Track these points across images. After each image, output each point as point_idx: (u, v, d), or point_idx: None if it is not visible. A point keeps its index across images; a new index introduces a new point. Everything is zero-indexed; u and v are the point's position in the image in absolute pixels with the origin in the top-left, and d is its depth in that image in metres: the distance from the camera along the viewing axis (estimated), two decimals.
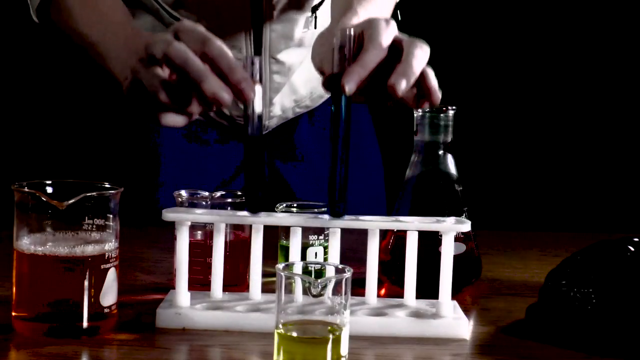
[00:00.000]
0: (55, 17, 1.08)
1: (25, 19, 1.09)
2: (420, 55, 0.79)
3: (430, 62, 0.78)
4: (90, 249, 0.73)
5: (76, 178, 0.76)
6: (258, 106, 0.78)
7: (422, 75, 0.79)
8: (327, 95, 1.29)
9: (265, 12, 1.16)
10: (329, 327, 0.65)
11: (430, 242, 0.90)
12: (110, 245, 0.74)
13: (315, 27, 1.20)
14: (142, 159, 1.28)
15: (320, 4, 1.19)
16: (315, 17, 1.20)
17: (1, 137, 1.96)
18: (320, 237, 0.90)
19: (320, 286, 0.64)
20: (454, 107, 0.90)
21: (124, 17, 1.01)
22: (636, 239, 0.80)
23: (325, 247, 0.90)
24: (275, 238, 0.93)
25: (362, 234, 0.80)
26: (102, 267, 0.73)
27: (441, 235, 0.80)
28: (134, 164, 1.29)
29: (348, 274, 0.65)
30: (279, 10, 1.16)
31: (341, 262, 0.77)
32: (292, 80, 1.25)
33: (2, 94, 1.97)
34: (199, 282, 0.88)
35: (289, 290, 0.65)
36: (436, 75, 0.80)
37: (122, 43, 0.91)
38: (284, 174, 1.30)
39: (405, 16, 1.31)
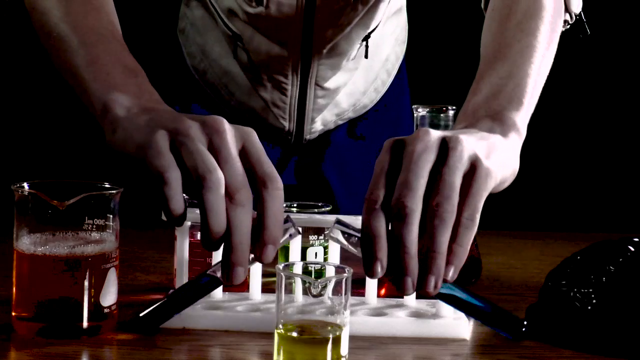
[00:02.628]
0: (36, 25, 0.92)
1: (25, 18, 1.08)
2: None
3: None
4: (90, 249, 0.73)
5: (76, 178, 0.76)
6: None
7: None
8: (370, 105, 1.27)
9: (315, 47, 1.12)
10: (329, 327, 0.65)
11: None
12: (110, 245, 0.74)
13: (366, 57, 1.17)
14: None
15: (372, 32, 1.16)
16: (367, 47, 1.16)
17: (1, 137, 1.96)
18: (320, 237, 0.90)
19: (320, 286, 0.64)
20: (454, 107, 0.90)
21: (133, 66, 0.83)
22: (636, 239, 0.80)
23: (325, 247, 0.90)
24: None
25: None
26: (102, 267, 0.73)
27: None
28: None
29: (348, 274, 0.65)
30: (328, 48, 1.13)
31: (341, 262, 0.77)
32: (335, 98, 1.22)
33: (2, 94, 1.97)
34: None
35: (289, 290, 0.65)
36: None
37: (131, 102, 0.77)
38: (323, 173, 1.29)
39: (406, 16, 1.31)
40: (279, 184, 0.69)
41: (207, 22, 1.18)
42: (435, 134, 0.71)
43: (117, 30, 0.86)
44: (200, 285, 0.73)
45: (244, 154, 0.69)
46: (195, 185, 0.66)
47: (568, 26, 1.00)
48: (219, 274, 0.71)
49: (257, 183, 0.68)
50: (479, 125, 0.78)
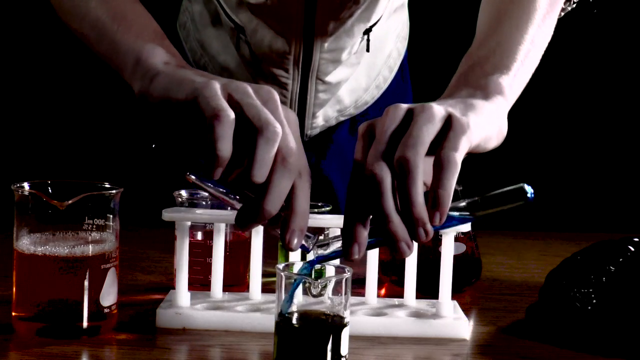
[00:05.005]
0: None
1: (25, 18, 1.08)
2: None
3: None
4: (90, 249, 0.73)
5: (76, 178, 0.76)
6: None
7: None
8: (371, 102, 1.27)
9: (316, 40, 1.12)
10: (328, 316, 0.65)
11: (430, 242, 0.90)
12: (110, 245, 0.74)
13: (367, 51, 1.17)
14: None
15: (373, 26, 1.15)
16: (368, 40, 1.16)
17: (1, 137, 1.96)
18: (321, 237, 0.90)
19: (320, 286, 0.64)
20: None
21: (159, 30, 0.84)
22: (636, 239, 0.80)
23: None
24: (276, 238, 0.93)
25: None
26: (102, 267, 0.73)
27: (441, 235, 0.80)
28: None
29: (348, 274, 0.65)
30: (330, 41, 1.13)
31: (341, 262, 0.78)
32: (337, 93, 1.22)
33: (2, 94, 1.97)
34: (199, 282, 0.88)
35: (289, 290, 0.65)
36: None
37: (168, 58, 0.78)
38: (324, 171, 1.29)
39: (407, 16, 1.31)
40: (310, 177, 0.69)
41: (206, 17, 1.18)
42: (404, 106, 0.69)
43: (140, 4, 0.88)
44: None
45: None
46: (251, 134, 0.65)
47: (574, 5, 0.99)
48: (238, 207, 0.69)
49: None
50: (457, 94, 0.77)
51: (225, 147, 0.65)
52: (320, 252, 0.70)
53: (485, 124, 0.72)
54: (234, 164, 0.67)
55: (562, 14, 0.96)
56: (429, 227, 0.65)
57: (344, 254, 0.66)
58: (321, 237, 0.71)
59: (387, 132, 0.67)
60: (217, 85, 0.68)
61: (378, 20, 1.16)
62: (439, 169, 0.65)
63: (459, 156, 0.66)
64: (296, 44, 1.12)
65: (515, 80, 0.80)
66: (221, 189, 0.68)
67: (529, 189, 0.68)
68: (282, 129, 0.66)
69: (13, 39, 1.94)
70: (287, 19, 1.09)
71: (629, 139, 2.13)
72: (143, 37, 0.80)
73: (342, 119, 1.26)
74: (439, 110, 0.68)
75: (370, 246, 0.67)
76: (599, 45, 2.07)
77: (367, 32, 1.15)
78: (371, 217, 0.66)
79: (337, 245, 0.69)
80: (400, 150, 0.65)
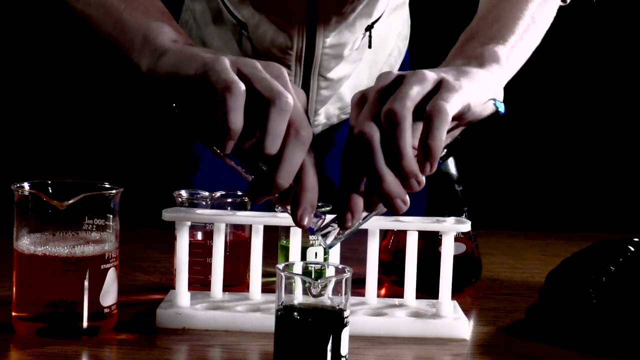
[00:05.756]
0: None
1: (25, 18, 1.08)
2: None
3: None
4: (90, 249, 0.73)
5: (76, 178, 0.76)
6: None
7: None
8: None
9: (318, 35, 1.12)
10: (328, 316, 0.65)
11: (430, 242, 0.90)
12: (110, 245, 0.74)
13: (370, 47, 1.17)
14: (179, 159, 1.26)
15: (374, 22, 1.16)
16: (370, 37, 1.16)
17: (1, 137, 1.96)
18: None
19: (320, 286, 0.64)
20: None
21: (166, 11, 0.84)
22: (636, 239, 0.80)
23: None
24: (275, 238, 0.93)
25: (362, 234, 0.80)
26: (102, 267, 0.73)
27: (441, 235, 0.80)
28: (170, 164, 1.27)
29: (348, 274, 0.65)
30: (332, 37, 1.13)
31: (341, 262, 0.77)
32: (339, 90, 1.22)
33: (2, 94, 1.97)
34: (199, 282, 0.88)
35: (289, 290, 0.65)
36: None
37: (176, 36, 0.77)
38: (326, 171, 1.29)
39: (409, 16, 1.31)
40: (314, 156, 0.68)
41: (207, 15, 1.18)
42: (395, 72, 0.70)
43: None
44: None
45: None
46: (262, 105, 0.65)
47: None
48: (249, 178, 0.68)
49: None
50: (452, 63, 0.77)
51: (237, 119, 0.64)
52: (327, 241, 0.70)
53: (479, 89, 0.72)
54: (246, 137, 0.66)
55: (563, 4, 0.96)
56: (421, 177, 0.65)
57: (339, 223, 0.67)
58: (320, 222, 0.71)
59: (376, 93, 0.67)
60: (226, 60, 0.68)
61: (380, 17, 1.16)
62: (428, 119, 0.65)
63: (450, 108, 0.66)
64: (298, 39, 1.12)
65: (512, 52, 0.80)
66: (235, 163, 0.68)
67: (499, 104, 0.69)
68: (296, 103, 0.66)
69: (13, 39, 1.94)
70: (289, 13, 1.10)
71: (629, 139, 2.13)
72: (150, 15, 0.80)
73: (343, 117, 1.26)
74: (430, 74, 0.68)
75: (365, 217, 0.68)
76: (599, 45, 2.07)
77: (369, 28, 1.15)
78: (365, 181, 0.67)
79: (337, 229, 0.70)
80: (388, 104, 0.65)
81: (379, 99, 0.67)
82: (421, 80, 0.67)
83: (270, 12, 1.10)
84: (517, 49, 0.80)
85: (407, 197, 0.66)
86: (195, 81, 0.68)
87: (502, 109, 0.69)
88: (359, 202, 0.67)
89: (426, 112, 0.66)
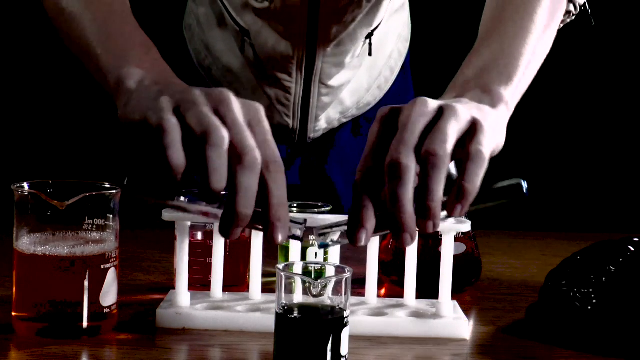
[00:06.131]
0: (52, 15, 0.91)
1: (25, 18, 1.08)
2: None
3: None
4: (90, 249, 0.73)
5: (76, 178, 0.76)
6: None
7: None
8: (373, 103, 1.27)
9: (319, 44, 1.13)
10: (328, 316, 0.65)
11: (430, 242, 0.90)
12: (110, 245, 0.74)
13: (370, 55, 1.18)
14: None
15: (374, 30, 1.16)
16: (370, 44, 1.17)
17: (1, 137, 1.96)
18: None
19: (320, 286, 0.64)
20: None
21: (145, 41, 0.84)
22: (636, 239, 0.80)
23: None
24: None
25: None
26: (102, 267, 0.73)
27: (441, 235, 0.80)
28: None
29: (348, 274, 0.65)
30: (333, 46, 1.13)
31: (341, 262, 0.77)
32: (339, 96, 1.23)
33: (2, 94, 1.97)
34: (199, 282, 0.88)
35: (289, 290, 0.65)
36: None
37: (143, 76, 0.77)
38: (326, 172, 1.29)
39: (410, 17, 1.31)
40: (282, 167, 0.67)
41: (212, 19, 1.18)
42: (433, 102, 0.70)
43: (127, 6, 0.87)
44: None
45: (250, 132, 0.67)
46: (199, 143, 0.64)
47: (573, 17, 1.00)
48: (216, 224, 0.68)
49: (261, 165, 0.66)
50: (468, 95, 0.77)
51: (176, 154, 0.64)
52: (321, 240, 0.70)
53: (495, 134, 0.73)
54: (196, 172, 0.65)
55: (562, 25, 0.97)
56: (438, 221, 0.66)
57: (350, 239, 0.67)
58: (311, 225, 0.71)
59: (418, 125, 0.67)
60: (165, 99, 0.67)
61: (379, 24, 1.16)
62: (467, 162, 0.66)
63: (487, 153, 0.67)
64: (299, 48, 1.12)
65: (516, 91, 0.81)
66: (201, 205, 0.68)
67: (524, 184, 0.69)
68: (235, 128, 0.65)
69: (13, 39, 1.94)
70: (291, 22, 1.10)
71: (629, 139, 2.13)
72: (126, 52, 0.80)
73: (344, 120, 1.26)
74: (464, 112, 0.69)
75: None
76: (599, 45, 2.07)
77: (369, 36, 1.16)
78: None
79: (337, 234, 0.69)
80: (429, 143, 0.66)
81: (416, 131, 0.67)
82: (459, 120, 0.68)
83: (272, 20, 1.11)
84: (519, 88, 0.82)
85: (416, 234, 0.66)
86: (141, 126, 0.68)
87: (526, 190, 0.70)
88: (373, 220, 0.67)
89: (465, 152, 0.66)
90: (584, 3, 1.01)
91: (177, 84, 0.75)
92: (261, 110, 0.69)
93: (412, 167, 0.65)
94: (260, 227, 0.67)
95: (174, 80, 0.77)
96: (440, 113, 0.68)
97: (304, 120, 1.20)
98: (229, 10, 1.14)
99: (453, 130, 0.67)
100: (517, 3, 0.89)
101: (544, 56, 0.88)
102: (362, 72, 1.22)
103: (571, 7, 0.98)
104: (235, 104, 0.67)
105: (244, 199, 0.64)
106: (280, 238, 0.66)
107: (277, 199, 0.66)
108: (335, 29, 1.11)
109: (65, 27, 0.87)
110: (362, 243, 0.67)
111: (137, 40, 0.82)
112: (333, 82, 1.18)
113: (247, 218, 0.65)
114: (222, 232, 0.66)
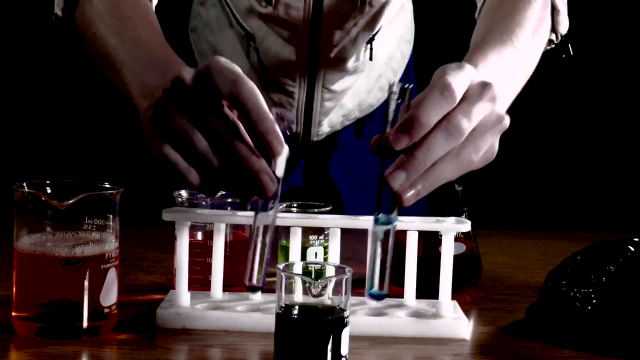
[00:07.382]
0: (79, 22, 0.96)
1: (25, 18, 1.08)
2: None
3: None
4: (90, 249, 0.73)
5: (76, 178, 0.76)
6: (280, 169, 0.70)
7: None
8: (376, 105, 1.28)
9: (322, 50, 1.14)
10: (328, 316, 0.65)
11: (430, 242, 0.90)
12: (110, 245, 0.74)
13: (370, 59, 1.19)
14: None
15: (375, 35, 1.17)
16: (371, 49, 1.18)
17: (1, 137, 1.96)
18: (320, 237, 0.90)
19: (320, 286, 0.64)
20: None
21: (158, 36, 0.86)
22: (636, 239, 0.80)
23: (325, 247, 0.90)
24: (276, 238, 0.93)
25: (362, 234, 0.80)
26: (102, 267, 0.73)
27: (441, 235, 0.80)
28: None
29: (348, 274, 0.65)
30: (335, 51, 1.14)
31: (341, 262, 0.77)
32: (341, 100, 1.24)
33: (2, 94, 1.97)
34: (199, 282, 0.88)
35: (289, 290, 0.65)
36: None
37: (148, 63, 0.80)
38: (329, 173, 1.29)
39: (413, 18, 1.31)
40: (244, 83, 0.67)
41: (222, 21, 1.19)
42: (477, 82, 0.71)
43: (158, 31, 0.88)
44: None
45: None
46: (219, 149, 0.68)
47: (553, 45, 1.02)
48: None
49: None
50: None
51: (191, 176, 0.69)
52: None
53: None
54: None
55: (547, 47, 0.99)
56: (413, 140, 0.66)
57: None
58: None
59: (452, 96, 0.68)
60: (165, 149, 0.70)
61: (380, 29, 1.17)
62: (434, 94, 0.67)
63: (468, 123, 0.69)
64: (303, 53, 1.13)
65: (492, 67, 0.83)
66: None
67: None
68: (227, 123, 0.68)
69: (13, 39, 1.94)
70: (294, 28, 1.10)
71: (629, 139, 2.13)
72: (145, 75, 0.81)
73: (347, 122, 1.27)
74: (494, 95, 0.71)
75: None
76: (599, 45, 2.07)
77: (370, 40, 1.16)
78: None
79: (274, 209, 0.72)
80: (460, 114, 0.68)
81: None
82: (491, 99, 0.70)
83: (276, 25, 1.11)
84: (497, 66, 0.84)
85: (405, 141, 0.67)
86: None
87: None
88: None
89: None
90: (565, 34, 1.02)
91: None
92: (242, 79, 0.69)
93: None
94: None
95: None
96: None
97: (307, 125, 1.21)
98: (235, 14, 1.15)
99: (480, 110, 0.70)
100: (504, 14, 0.91)
101: (532, 69, 0.92)
102: (362, 75, 1.22)
103: (553, 36, 1.00)
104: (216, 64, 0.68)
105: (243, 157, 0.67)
106: (280, 149, 0.67)
107: (256, 111, 0.66)
108: (337, 35, 1.12)
109: (95, 50, 0.91)
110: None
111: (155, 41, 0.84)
112: (336, 87, 1.18)
113: (258, 162, 0.67)
114: (260, 194, 0.68)
